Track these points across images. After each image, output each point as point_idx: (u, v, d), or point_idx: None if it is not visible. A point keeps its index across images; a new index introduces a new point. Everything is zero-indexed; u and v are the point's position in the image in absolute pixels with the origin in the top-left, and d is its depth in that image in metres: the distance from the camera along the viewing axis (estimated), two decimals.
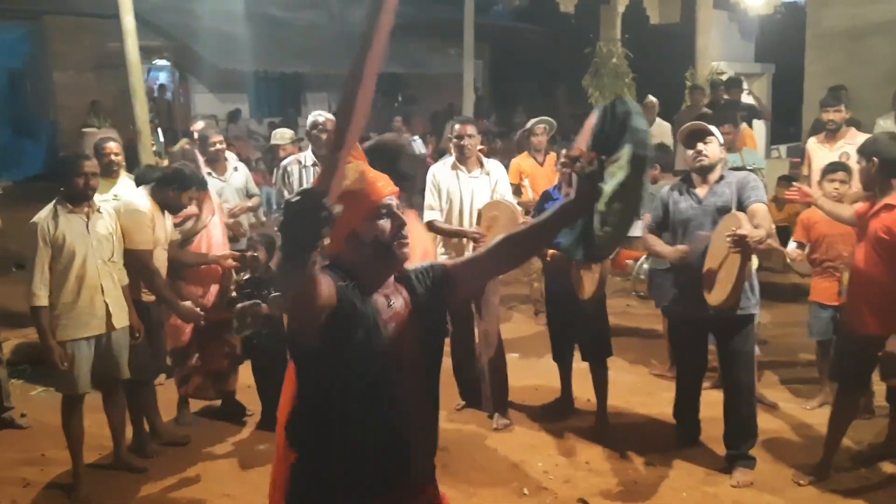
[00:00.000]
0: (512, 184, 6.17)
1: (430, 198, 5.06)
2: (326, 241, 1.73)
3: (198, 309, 4.60)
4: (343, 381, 1.97)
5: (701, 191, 4.14)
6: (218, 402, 5.21)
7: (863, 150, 3.99)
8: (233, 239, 5.65)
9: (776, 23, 14.56)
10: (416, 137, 13.43)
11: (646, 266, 6.93)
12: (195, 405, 5.20)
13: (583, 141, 2.18)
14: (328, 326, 1.90)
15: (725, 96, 8.96)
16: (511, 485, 4.20)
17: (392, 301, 2.06)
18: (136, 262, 4.37)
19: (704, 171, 4.13)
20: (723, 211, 4.00)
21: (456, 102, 13.01)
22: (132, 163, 6.75)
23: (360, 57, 1.67)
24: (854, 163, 4.31)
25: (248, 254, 4.89)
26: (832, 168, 4.85)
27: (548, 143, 7.12)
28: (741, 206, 3.95)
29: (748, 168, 5.47)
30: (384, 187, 2.03)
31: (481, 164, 5.08)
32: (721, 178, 4.11)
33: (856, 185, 4.77)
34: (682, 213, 4.17)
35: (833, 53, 9.39)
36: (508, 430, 4.88)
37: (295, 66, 15.66)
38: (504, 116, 18.75)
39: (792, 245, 5.06)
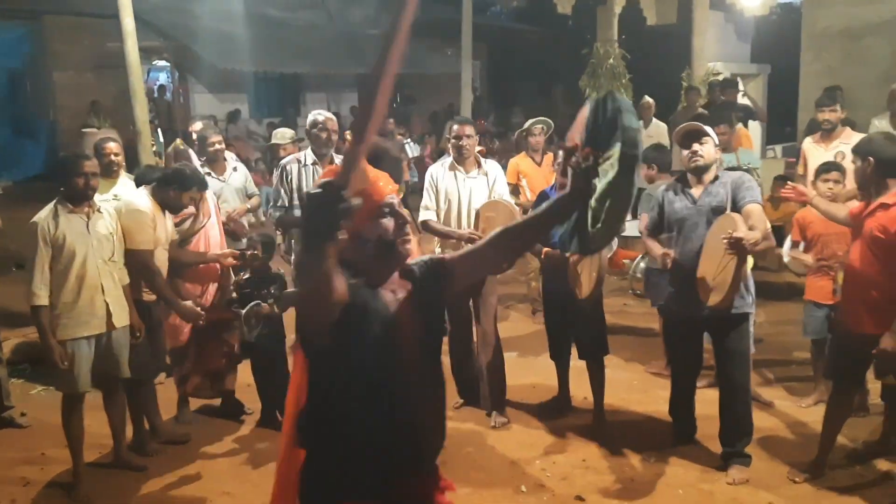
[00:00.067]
0: (510, 184, 6.19)
1: (426, 198, 5.09)
2: (344, 235, 1.77)
3: (198, 308, 4.63)
4: (358, 377, 2.01)
5: (696, 191, 4.17)
6: (217, 401, 5.24)
7: (858, 150, 4.02)
8: (234, 238, 5.68)
9: (772, 23, 14.59)
10: (408, 140, 13.46)
11: (642, 265, 6.97)
12: (195, 404, 5.22)
13: (576, 132, 2.21)
14: (341, 323, 1.93)
15: (721, 97, 8.99)
16: (509, 483, 4.22)
17: (398, 296, 2.10)
18: (137, 262, 4.38)
19: (699, 172, 4.16)
20: (717, 211, 4.03)
21: (454, 102, 13.04)
22: (132, 163, 6.78)
23: (384, 54, 1.70)
24: (850, 162, 4.33)
25: (248, 252, 4.92)
26: (826, 168, 4.88)
27: (545, 144, 7.14)
28: (736, 207, 3.98)
29: (744, 168, 5.51)
30: (385, 186, 2.06)
31: (479, 165, 5.10)
32: (716, 178, 4.14)
33: (850, 184, 4.80)
34: (678, 213, 4.20)
35: (828, 54, 9.43)
36: (506, 429, 4.91)
37: (294, 67, 15.69)
38: (502, 117, 18.79)
39: (787, 245, 5.09)
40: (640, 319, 6.92)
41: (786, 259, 5.22)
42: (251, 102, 17.30)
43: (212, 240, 5.01)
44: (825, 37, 9.44)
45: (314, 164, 5.14)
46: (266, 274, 4.95)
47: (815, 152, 5.94)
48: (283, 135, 7.34)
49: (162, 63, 15.70)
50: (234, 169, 6.17)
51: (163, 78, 16.50)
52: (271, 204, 5.37)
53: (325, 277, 1.75)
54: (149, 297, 4.57)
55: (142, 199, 4.53)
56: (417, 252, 3.28)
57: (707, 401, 4.52)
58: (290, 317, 4.29)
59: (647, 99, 9.92)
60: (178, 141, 7.06)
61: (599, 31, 12.43)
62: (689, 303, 4.10)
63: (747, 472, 4.15)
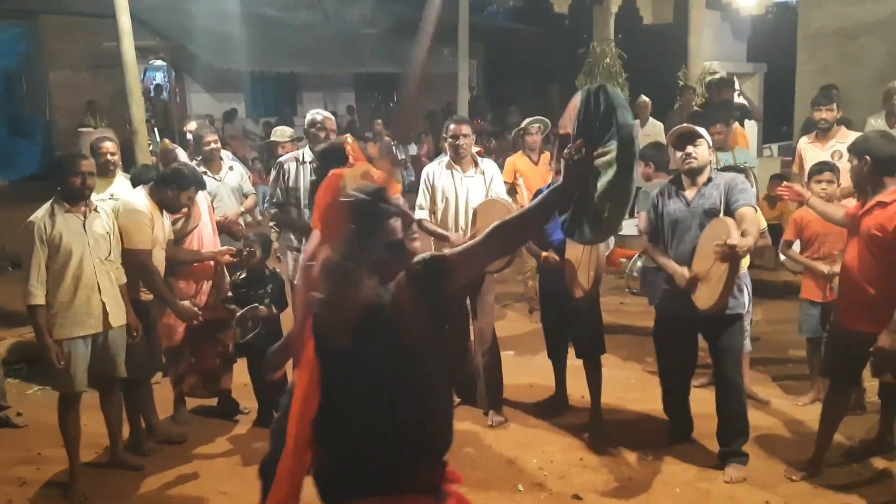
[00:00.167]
0: (507, 183, 6.20)
1: (421, 197, 5.10)
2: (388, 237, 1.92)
3: (195, 308, 4.63)
4: (370, 374, 2.06)
5: (690, 193, 4.18)
6: (214, 401, 5.23)
7: (854, 149, 4.02)
8: (234, 238, 5.67)
9: (768, 23, 14.63)
10: (396, 141, 13.47)
11: (639, 264, 6.98)
12: (191, 403, 5.21)
13: (567, 120, 2.27)
14: (360, 322, 2.00)
15: (718, 96, 8.99)
16: (506, 482, 4.22)
17: (403, 292, 2.14)
18: (135, 261, 4.38)
19: (693, 174, 4.17)
20: (710, 213, 4.04)
21: (452, 102, 13.02)
22: (128, 162, 6.77)
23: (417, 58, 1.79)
24: (846, 161, 4.34)
25: (245, 249, 4.92)
26: (818, 169, 4.86)
27: (542, 143, 7.14)
28: (729, 209, 3.99)
29: (741, 166, 5.51)
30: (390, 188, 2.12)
31: (476, 164, 5.11)
32: (709, 180, 4.15)
33: (845, 182, 4.80)
34: (671, 214, 4.21)
35: (824, 53, 9.44)
36: (503, 427, 4.91)
37: (291, 66, 15.68)
38: (498, 116, 18.79)
39: (783, 246, 5.09)
40: (636, 318, 6.92)
41: (782, 257, 5.22)
42: (248, 102, 17.29)
43: (205, 239, 5.01)
44: (821, 36, 9.46)
45: (312, 162, 5.13)
46: (262, 273, 4.94)
47: (811, 151, 5.95)
48: (282, 132, 7.34)
49: (158, 62, 15.66)
50: (231, 168, 6.16)
51: (159, 77, 16.45)
52: (267, 200, 5.37)
53: (359, 279, 1.83)
54: (146, 296, 4.57)
55: (140, 198, 4.53)
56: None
57: (705, 399, 4.53)
58: (287, 316, 4.29)
59: (644, 98, 9.94)
60: (166, 141, 7.06)
61: (596, 30, 12.45)
62: (683, 302, 4.11)
63: (744, 470, 4.16)
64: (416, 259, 2.24)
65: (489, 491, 4.13)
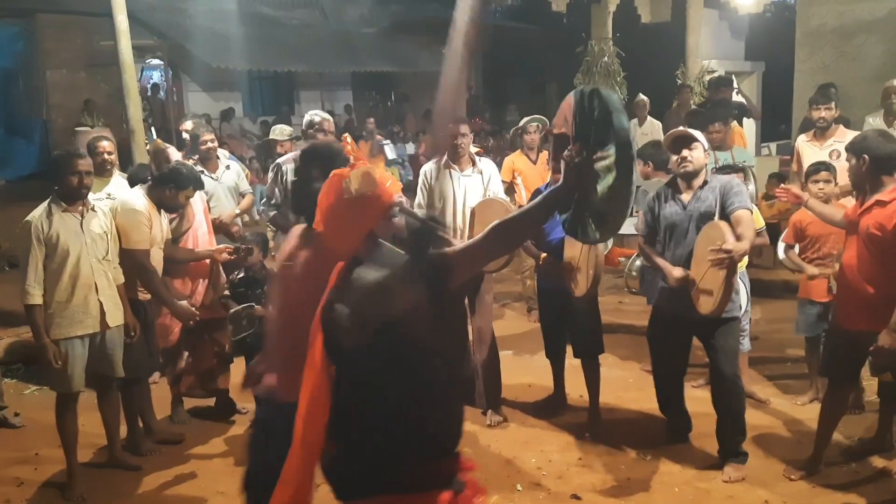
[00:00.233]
0: (505, 182, 6.19)
1: (419, 196, 5.09)
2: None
3: (193, 308, 4.62)
4: (383, 370, 2.10)
5: (686, 196, 4.18)
6: (211, 401, 5.22)
7: (852, 148, 4.01)
8: (232, 240, 5.65)
9: (766, 21, 14.63)
10: (387, 141, 13.44)
11: (638, 263, 6.96)
12: (189, 403, 5.20)
13: (561, 120, 2.33)
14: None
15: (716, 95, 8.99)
16: (504, 481, 4.22)
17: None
18: (133, 261, 4.38)
19: (689, 177, 4.18)
20: (706, 217, 4.04)
21: None
22: (125, 162, 6.75)
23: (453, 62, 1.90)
24: (844, 160, 4.34)
25: (242, 247, 4.92)
26: (815, 169, 4.85)
27: (541, 142, 7.14)
28: (724, 212, 3.99)
29: (739, 165, 5.51)
30: (393, 187, 2.18)
31: (474, 163, 5.10)
32: (705, 183, 4.16)
33: (843, 181, 4.80)
34: (668, 218, 4.21)
35: (822, 51, 9.43)
36: (502, 427, 4.91)
37: (288, 65, 15.64)
38: (497, 115, 18.77)
39: (781, 247, 5.09)
40: (635, 317, 6.90)
41: (780, 255, 5.22)
42: (245, 101, 17.27)
43: (200, 239, 5.01)
44: (819, 34, 9.45)
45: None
46: (260, 273, 4.93)
47: (809, 150, 5.94)
48: (281, 131, 7.34)
49: (155, 61, 15.62)
50: (227, 167, 6.14)
51: (156, 76, 16.41)
52: (264, 201, 5.36)
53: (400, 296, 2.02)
54: (144, 295, 4.57)
55: (138, 198, 4.52)
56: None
57: (703, 399, 4.52)
58: None
59: (642, 97, 9.93)
60: (158, 140, 7.03)
61: (594, 28, 12.43)
62: (679, 301, 4.11)
63: (743, 469, 4.16)
64: None
65: (487, 490, 4.12)
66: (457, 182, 5.03)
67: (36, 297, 3.98)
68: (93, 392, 4.38)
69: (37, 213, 4.05)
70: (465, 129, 5.07)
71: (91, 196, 4.26)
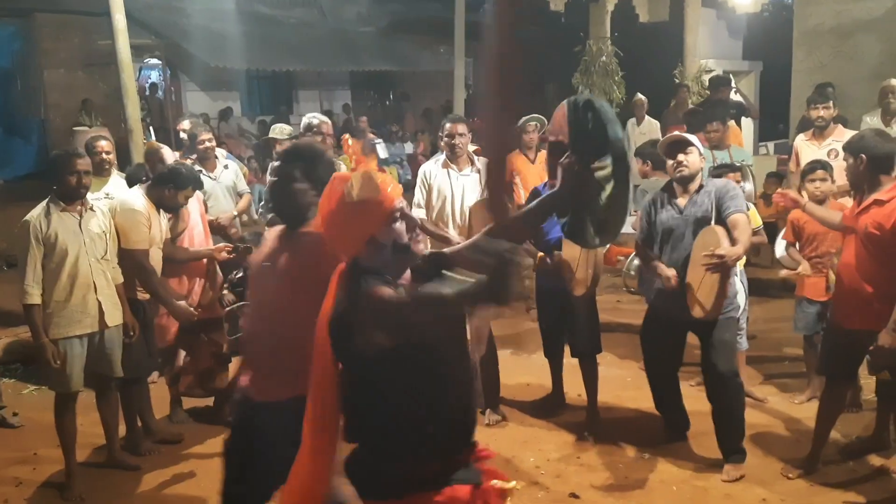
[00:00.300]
0: None
1: (418, 195, 5.09)
2: None
3: (191, 308, 4.62)
4: (395, 371, 2.12)
5: (682, 200, 4.19)
6: (210, 401, 5.22)
7: (850, 147, 4.02)
8: (227, 240, 5.65)
9: (763, 20, 14.62)
10: (380, 140, 13.43)
11: (636, 262, 6.97)
12: (188, 403, 5.20)
13: (554, 129, 2.39)
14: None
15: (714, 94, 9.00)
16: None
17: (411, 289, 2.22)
18: (132, 261, 4.37)
19: (685, 181, 4.18)
20: (702, 221, 4.05)
21: (450, 100, 13.01)
22: (124, 161, 6.75)
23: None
24: (842, 160, 4.34)
25: (241, 246, 4.92)
26: (811, 168, 4.85)
27: (539, 141, 7.14)
28: (720, 216, 4.00)
29: (737, 164, 5.52)
30: (394, 191, 2.19)
31: (472, 163, 5.10)
32: (701, 187, 4.16)
33: (840, 180, 4.81)
34: (664, 222, 4.22)
35: (820, 51, 9.43)
36: (500, 426, 4.91)
37: (286, 65, 15.65)
38: None
39: (780, 246, 5.10)
40: (633, 316, 6.89)
41: (779, 255, 5.23)
42: (243, 100, 17.26)
43: (196, 238, 5.01)
44: (816, 34, 9.45)
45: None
46: None
47: (807, 149, 5.95)
48: (280, 130, 7.34)
49: (154, 61, 15.61)
50: (226, 167, 6.14)
51: (154, 76, 16.41)
52: (262, 203, 5.36)
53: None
54: (143, 295, 4.56)
55: (137, 198, 4.52)
56: None
57: (701, 398, 4.52)
58: None
59: (640, 96, 9.95)
60: (152, 140, 7.02)
61: (592, 28, 12.45)
62: (675, 301, 4.11)
63: (741, 468, 4.16)
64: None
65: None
66: (455, 181, 5.02)
67: (34, 297, 3.98)
68: (92, 392, 4.38)
69: (35, 213, 4.04)
70: (462, 128, 5.06)
71: (89, 196, 4.25)
